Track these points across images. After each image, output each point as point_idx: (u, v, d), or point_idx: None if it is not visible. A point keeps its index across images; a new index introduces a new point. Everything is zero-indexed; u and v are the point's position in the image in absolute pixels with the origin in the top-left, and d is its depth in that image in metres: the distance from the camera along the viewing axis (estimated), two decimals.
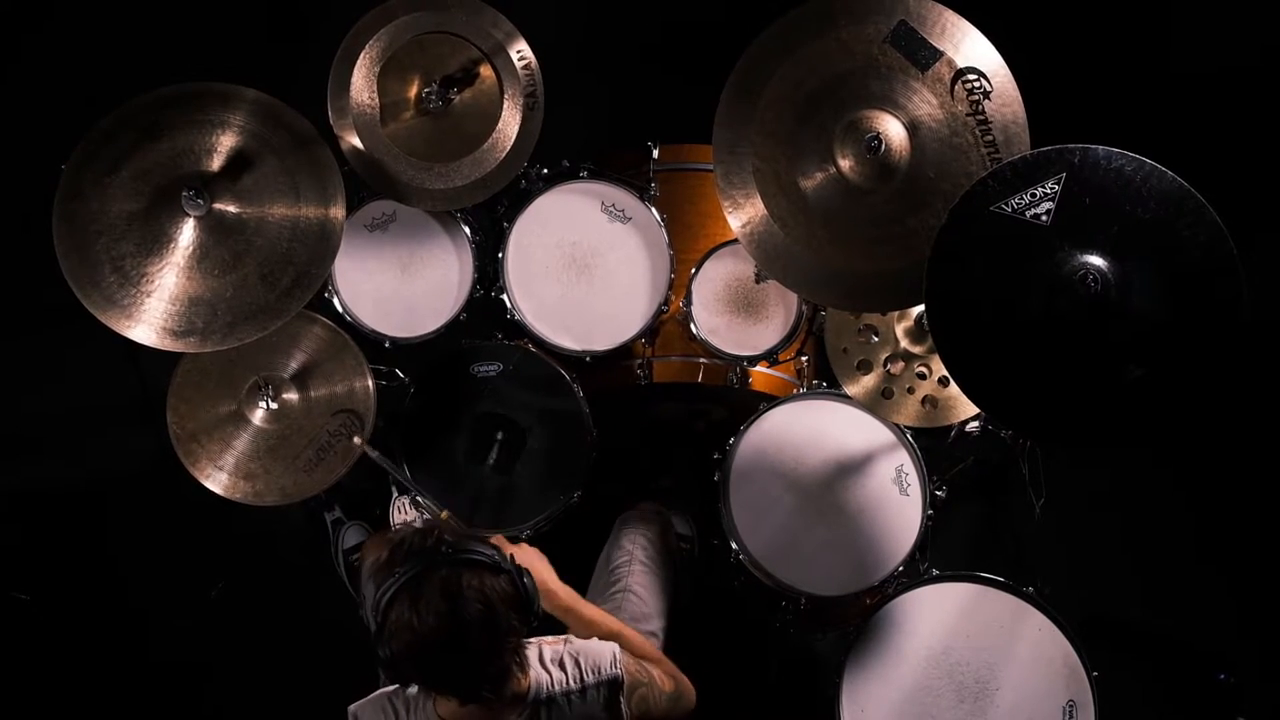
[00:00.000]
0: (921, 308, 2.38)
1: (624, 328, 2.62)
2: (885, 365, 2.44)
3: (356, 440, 2.42)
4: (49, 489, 3.13)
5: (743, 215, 2.14)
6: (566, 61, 2.74)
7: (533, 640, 1.89)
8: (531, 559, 2.10)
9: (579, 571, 2.51)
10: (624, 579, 2.42)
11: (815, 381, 2.64)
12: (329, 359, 2.50)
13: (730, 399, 2.75)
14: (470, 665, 1.72)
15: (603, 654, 1.90)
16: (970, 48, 2.06)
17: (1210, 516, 3.06)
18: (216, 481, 2.45)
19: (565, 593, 2.09)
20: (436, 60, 2.49)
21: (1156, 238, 1.83)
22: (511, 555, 2.07)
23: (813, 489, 2.47)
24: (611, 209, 2.67)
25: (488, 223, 2.77)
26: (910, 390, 2.43)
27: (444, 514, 2.32)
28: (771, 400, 2.57)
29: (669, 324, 2.69)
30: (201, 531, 2.98)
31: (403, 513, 2.78)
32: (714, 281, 2.65)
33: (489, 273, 2.68)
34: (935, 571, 2.41)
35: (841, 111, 2.08)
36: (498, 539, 2.13)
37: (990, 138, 2.04)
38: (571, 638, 1.95)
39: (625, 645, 2.02)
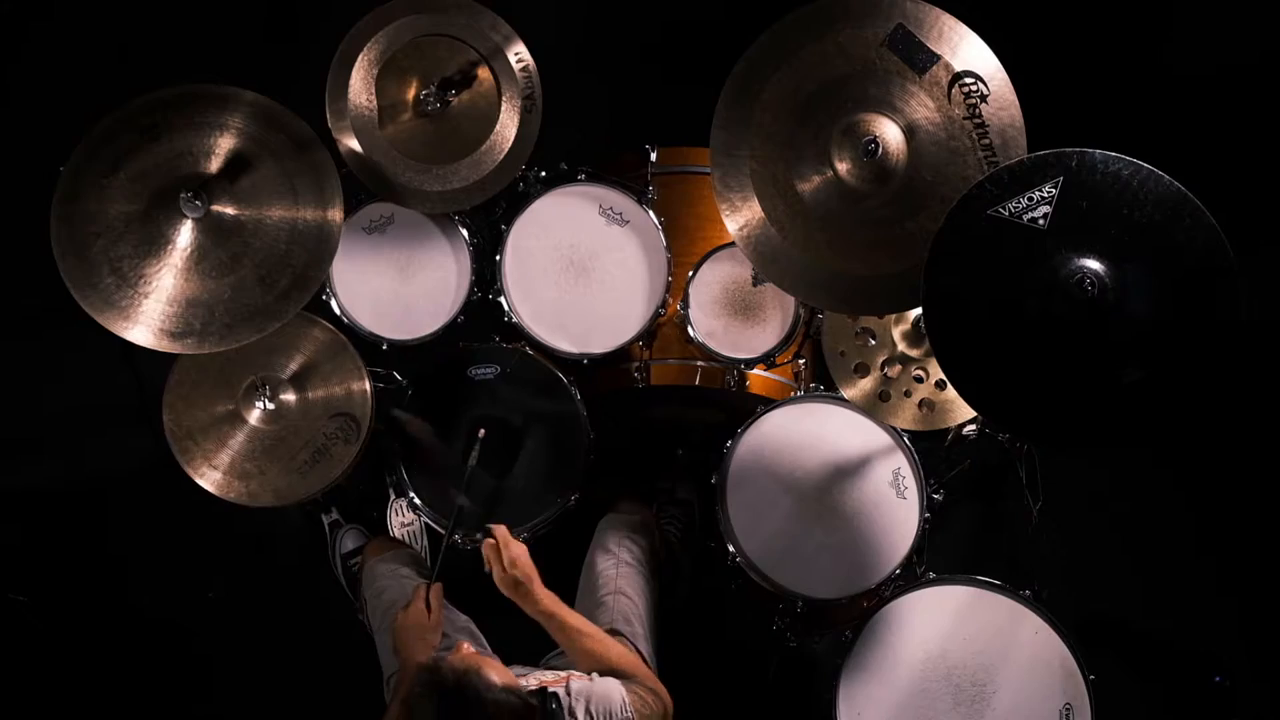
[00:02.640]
0: (919, 311, 2.38)
1: (621, 330, 2.62)
2: (882, 368, 2.44)
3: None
4: (47, 488, 3.13)
5: (740, 218, 2.14)
6: (564, 64, 2.75)
7: (533, 677, 1.86)
8: (519, 557, 2.10)
9: (576, 574, 2.52)
10: (613, 579, 2.41)
11: (812, 384, 2.64)
12: (326, 360, 2.50)
13: (727, 402, 2.75)
14: None
15: (611, 697, 1.87)
16: (967, 51, 2.06)
17: (1209, 519, 3.05)
18: (210, 480, 2.45)
19: (549, 599, 2.08)
20: (435, 62, 2.50)
21: (1154, 241, 1.83)
22: (513, 560, 2.06)
23: (810, 492, 2.47)
24: (609, 212, 2.67)
25: (485, 225, 2.77)
26: (907, 393, 2.43)
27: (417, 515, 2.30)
28: (769, 403, 2.57)
29: (666, 327, 2.69)
30: (200, 532, 2.98)
31: (400, 515, 2.78)
32: (711, 284, 2.65)
33: (487, 275, 2.68)
34: (932, 574, 2.41)
35: (839, 115, 2.08)
36: (501, 530, 2.13)
37: (987, 141, 2.04)
38: (571, 677, 1.91)
39: (605, 656, 2.02)
